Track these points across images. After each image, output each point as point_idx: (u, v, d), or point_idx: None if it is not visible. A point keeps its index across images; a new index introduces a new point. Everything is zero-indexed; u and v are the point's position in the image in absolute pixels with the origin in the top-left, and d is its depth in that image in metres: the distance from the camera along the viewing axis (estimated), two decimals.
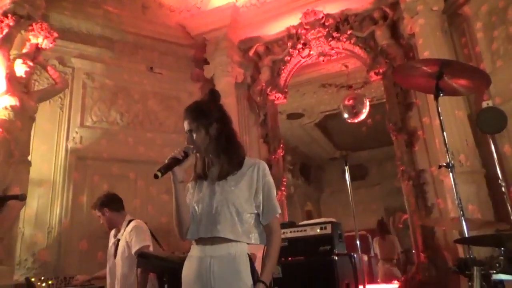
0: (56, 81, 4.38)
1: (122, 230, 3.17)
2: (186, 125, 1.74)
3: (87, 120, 4.83)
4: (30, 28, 4.20)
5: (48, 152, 4.47)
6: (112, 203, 3.23)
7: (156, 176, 1.55)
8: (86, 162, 4.67)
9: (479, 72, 2.21)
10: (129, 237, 3.04)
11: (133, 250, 2.96)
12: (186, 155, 1.67)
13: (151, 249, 3.03)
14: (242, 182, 1.69)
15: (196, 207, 1.71)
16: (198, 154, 1.75)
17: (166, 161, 1.63)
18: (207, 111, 1.74)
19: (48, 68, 4.41)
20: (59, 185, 4.42)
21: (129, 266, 2.97)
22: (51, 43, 4.33)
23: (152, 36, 5.35)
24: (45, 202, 4.31)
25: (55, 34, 4.35)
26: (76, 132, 4.69)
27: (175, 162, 1.64)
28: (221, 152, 1.71)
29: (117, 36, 5.17)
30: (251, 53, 5.49)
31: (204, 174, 1.77)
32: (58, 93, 4.56)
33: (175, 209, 1.69)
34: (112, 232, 3.34)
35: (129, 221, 3.19)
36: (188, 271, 1.67)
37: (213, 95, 1.81)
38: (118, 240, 3.13)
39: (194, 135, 1.70)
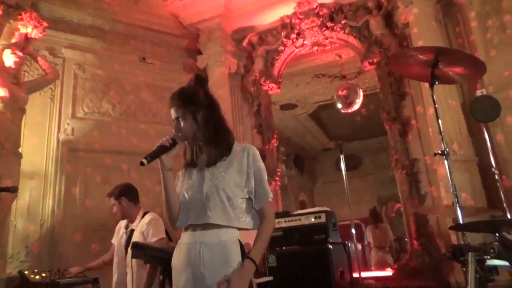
0: (46, 72, 4.31)
1: (136, 221, 3.16)
2: (172, 113, 1.71)
3: (78, 112, 4.76)
4: (19, 17, 4.12)
5: (39, 144, 4.41)
6: (130, 193, 3.23)
7: (142, 163, 1.53)
8: (78, 153, 4.62)
9: (474, 60, 2.21)
10: (145, 229, 3.04)
11: (149, 240, 2.96)
12: (174, 142, 1.64)
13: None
14: (232, 168, 1.66)
15: (186, 195, 1.68)
16: (186, 142, 1.72)
17: (154, 149, 1.61)
18: (193, 97, 1.70)
19: (38, 58, 4.34)
20: (51, 177, 4.37)
21: None
22: (41, 33, 4.26)
23: (144, 26, 5.28)
24: (37, 195, 4.27)
25: (45, 24, 4.28)
26: (68, 124, 4.63)
27: (162, 149, 1.62)
28: (209, 138, 1.68)
29: (108, 26, 5.10)
30: (244, 43, 5.45)
31: (193, 161, 1.74)
32: (49, 84, 4.50)
33: (164, 197, 1.68)
34: (122, 223, 3.33)
35: (144, 213, 3.19)
36: (178, 257, 1.66)
37: (200, 81, 1.78)
38: (132, 230, 3.09)
39: (182, 122, 1.68)
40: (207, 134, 1.68)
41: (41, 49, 4.61)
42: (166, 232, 3.16)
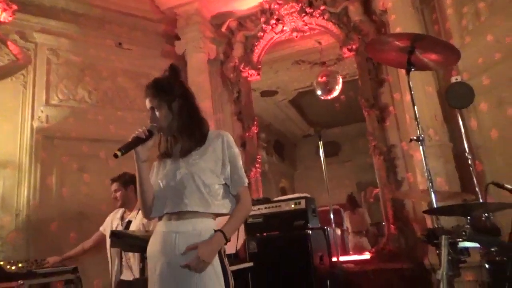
0: (17, 57, 4.17)
1: (134, 213, 3.14)
2: (147, 103, 1.71)
3: (52, 98, 4.62)
4: None
5: (12, 132, 4.27)
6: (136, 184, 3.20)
7: (115, 155, 1.53)
8: (54, 141, 4.50)
9: (449, 47, 2.24)
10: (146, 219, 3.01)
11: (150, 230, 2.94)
12: (150, 134, 1.63)
13: None
14: (206, 154, 1.67)
15: (161, 183, 1.68)
16: (161, 133, 1.72)
17: (129, 140, 1.60)
18: (168, 87, 1.70)
19: (8, 43, 4.18)
20: (25, 166, 4.25)
21: None
22: (10, 16, 4.08)
23: (120, 10, 5.13)
24: (12, 184, 4.15)
25: (14, 7, 4.10)
26: (42, 111, 4.49)
27: (137, 141, 1.61)
28: (184, 128, 1.69)
29: (82, 10, 4.93)
30: (223, 28, 5.38)
31: (168, 152, 1.74)
32: (21, 69, 4.34)
33: (138, 188, 1.68)
34: (117, 214, 3.30)
35: None
36: (153, 246, 1.66)
37: (174, 71, 1.78)
38: (129, 222, 3.06)
39: (157, 113, 1.67)
40: (181, 124, 1.68)
41: (11, 33, 4.43)
42: None
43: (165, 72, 1.79)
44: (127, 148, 1.57)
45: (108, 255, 3.22)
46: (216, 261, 1.58)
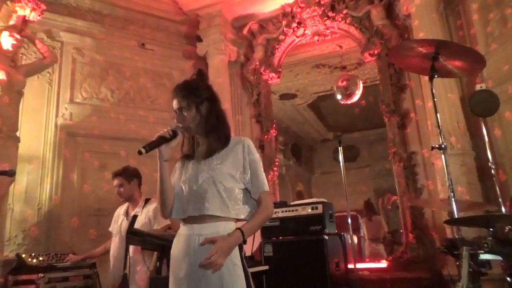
0: (44, 55, 4.26)
1: (139, 207, 3.18)
2: (175, 104, 1.74)
3: (77, 97, 4.74)
4: None
5: (37, 128, 4.40)
6: (139, 178, 3.27)
7: (140, 152, 1.56)
8: (77, 138, 4.62)
9: (474, 53, 2.20)
10: (152, 214, 3.05)
11: (155, 227, 2.99)
12: (174, 134, 1.67)
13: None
14: (228, 160, 1.70)
15: (183, 187, 1.72)
16: (186, 133, 1.75)
17: (154, 139, 1.63)
18: (197, 90, 1.75)
19: (36, 41, 4.29)
20: (49, 161, 4.37)
21: None
22: (39, 15, 4.20)
23: (143, 11, 5.23)
24: (35, 179, 4.27)
25: (43, 7, 4.22)
26: (66, 108, 4.61)
27: (162, 140, 1.64)
28: (210, 130, 1.73)
29: (107, 10, 5.04)
30: (245, 31, 5.40)
31: (191, 153, 1.78)
32: (47, 67, 4.46)
33: (159, 187, 1.71)
34: (121, 210, 3.35)
35: (147, 199, 3.20)
36: (176, 249, 1.70)
37: (202, 75, 1.83)
38: (135, 216, 3.07)
39: (185, 113, 1.70)
40: (209, 126, 1.73)
41: (39, 32, 4.57)
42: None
43: (192, 75, 1.84)
44: (152, 146, 1.61)
45: (112, 248, 3.23)
46: (238, 263, 1.61)
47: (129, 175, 3.23)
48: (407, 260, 4.10)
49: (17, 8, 4.07)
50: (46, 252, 3.70)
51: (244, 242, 1.65)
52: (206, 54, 5.16)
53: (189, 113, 1.70)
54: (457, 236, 2.16)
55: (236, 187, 1.68)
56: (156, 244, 2.73)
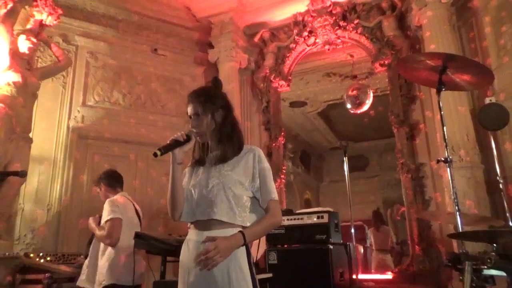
0: (59, 59, 4.36)
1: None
2: (190, 109, 1.77)
3: (89, 100, 4.83)
4: (34, 3, 4.17)
5: (49, 130, 4.49)
6: (108, 179, 3.21)
7: (155, 155, 1.59)
8: (87, 141, 4.70)
9: (483, 68, 2.19)
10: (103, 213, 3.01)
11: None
12: (188, 138, 1.70)
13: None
14: (238, 167, 1.72)
15: (193, 191, 1.74)
16: (198, 139, 1.78)
17: (168, 142, 1.67)
18: (214, 97, 1.79)
19: (52, 45, 4.39)
20: (59, 163, 4.45)
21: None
22: (55, 20, 4.30)
23: (156, 17, 5.32)
24: (46, 179, 4.35)
25: (60, 11, 4.32)
26: (78, 111, 4.70)
27: (175, 144, 1.68)
28: (224, 137, 1.75)
29: (121, 15, 5.14)
30: (256, 38, 5.45)
31: (202, 159, 1.81)
32: (61, 71, 4.56)
33: (170, 189, 1.74)
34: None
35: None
36: (185, 254, 1.72)
37: (217, 83, 1.87)
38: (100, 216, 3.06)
39: (201, 119, 1.74)
40: (223, 133, 1.76)
41: (55, 35, 4.68)
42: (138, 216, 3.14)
43: (208, 83, 1.90)
44: (166, 149, 1.65)
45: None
46: (246, 269, 1.63)
47: (97, 181, 3.24)
48: (413, 273, 4.06)
49: (34, 13, 4.18)
50: (54, 252, 3.75)
51: (245, 245, 1.66)
52: (217, 60, 5.21)
53: (204, 119, 1.74)
54: (461, 251, 2.14)
55: (244, 195, 1.70)
56: (160, 248, 2.75)
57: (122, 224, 2.92)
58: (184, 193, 1.76)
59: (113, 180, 3.24)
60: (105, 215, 2.94)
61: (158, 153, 1.59)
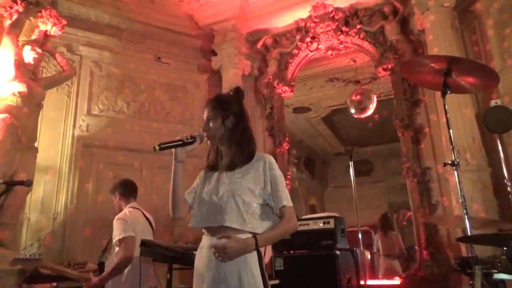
0: (63, 69, 4.40)
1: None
2: (205, 113, 1.84)
3: (93, 109, 4.85)
4: (39, 14, 4.21)
5: (54, 139, 4.51)
6: (123, 188, 3.23)
7: (154, 148, 1.64)
8: (92, 150, 4.71)
9: (487, 70, 2.18)
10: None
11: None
12: (192, 139, 1.76)
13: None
14: (248, 175, 1.74)
15: (205, 197, 1.77)
16: (210, 143, 1.84)
17: (170, 140, 1.74)
18: (227, 104, 1.84)
19: (56, 55, 4.43)
20: (65, 172, 4.46)
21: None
22: (60, 30, 4.35)
23: (160, 25, 5.35)
24: (51, 189, 4.36)
25: (64, 22, 4.37)
26: (83, 120, 4.72)
27: (177, 143, 1.74)
28: (234, 143, 1.79)
29: (125, 25, 5.18)
30: (259, 45, 5.47)
31: (215, 164, 1.85)
32: (66, 80, 4.59)
33: (171, 187, 1.81)
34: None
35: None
36: (199, 261, 1.75)
37: (238, 93, 1.91)
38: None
39: (210, 123, 1.80)
40: (233, 139, 1.80)
41: (59, 46, 4.72)
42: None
43: (229, 91, 1.93)
44: (166, 145, 1.71)
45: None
46: (257, 275, 1.64)
47: (112, 190, 3.25)
48: (421, 278, 4.02)
49: (39, 24, 4.23)
50: (60, 261, 3.75)
51: (257, 250, 1.66)
52: (221, 67, 5.23)
53: (214, 123, 1.79)
54: (471, 255, 2.12)
55: (254, 202, 1.71)
56: (166, 256, 2.73)
57: (135, 241, 2.92)
58: (192, 196, 1.83)
59: (127, 190, 3.26)
60: (117, 234, 2.94)
61: (157, 147, 1.65)
